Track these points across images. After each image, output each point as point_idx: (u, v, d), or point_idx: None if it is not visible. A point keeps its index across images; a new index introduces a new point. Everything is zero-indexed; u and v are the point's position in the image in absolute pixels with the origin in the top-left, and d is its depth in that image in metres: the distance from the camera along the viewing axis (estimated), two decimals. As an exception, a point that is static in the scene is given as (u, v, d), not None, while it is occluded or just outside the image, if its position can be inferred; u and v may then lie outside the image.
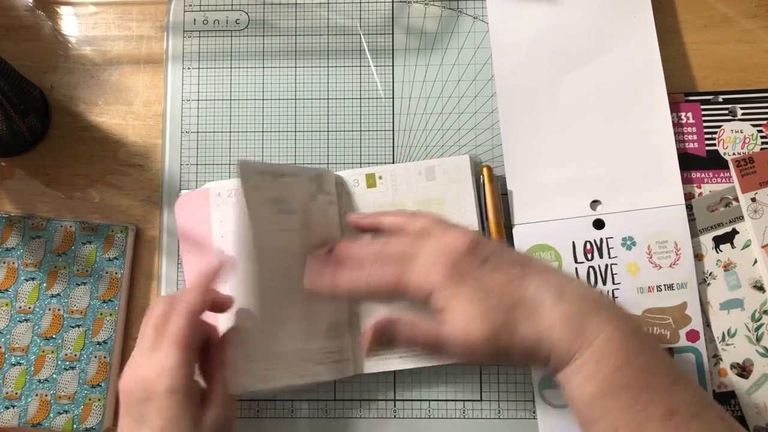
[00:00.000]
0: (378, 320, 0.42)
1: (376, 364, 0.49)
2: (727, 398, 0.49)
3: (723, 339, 0.49)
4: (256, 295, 0.43)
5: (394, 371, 0.51)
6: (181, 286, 0.52)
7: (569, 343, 0.38)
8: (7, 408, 0.50)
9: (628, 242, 0.50)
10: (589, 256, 0.50)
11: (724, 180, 0.51)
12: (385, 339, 0.42)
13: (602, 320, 0.38)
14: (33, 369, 0.51)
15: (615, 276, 0.50)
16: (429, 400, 0.51)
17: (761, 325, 0.49)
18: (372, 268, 0.42)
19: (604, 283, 0.50)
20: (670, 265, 0.50)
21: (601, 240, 0.50)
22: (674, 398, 0.37)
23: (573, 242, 0.50)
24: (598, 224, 0.51)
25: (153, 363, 0.40)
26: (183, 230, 0.52)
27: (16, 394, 0.50)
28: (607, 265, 0.50)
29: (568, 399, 0.39)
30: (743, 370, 0.49)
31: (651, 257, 0.50)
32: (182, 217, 0.52)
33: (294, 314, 0.46)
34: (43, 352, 0.51)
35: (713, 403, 0.38)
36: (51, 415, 0.50)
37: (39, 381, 0.51)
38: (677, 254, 0.50)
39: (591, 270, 0.50)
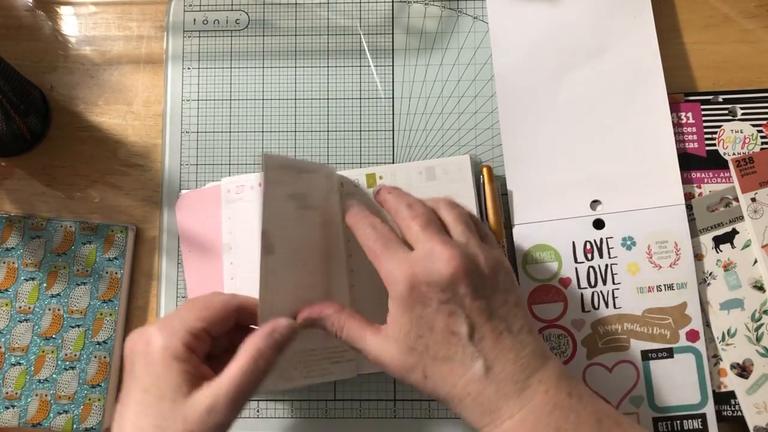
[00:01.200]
0: (319, 305, 0.42)
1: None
2: (727, 398, 0.49)
3: (723, 339, 0.49)
4: (283, 292, 0.42)
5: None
6: (181, 286, 0.52)
7: (477, 417, 0.39)
8: (7, 408, 0.50)
9: (628, 242, 0.50)
10: (589, 256, 0.50)
11: (724, 180, 0.51)
12: (315, 322, 0.42)
13: (519, 402, 0.38)
14: (33, 369, 0.51)
15: (615, 276, 0.50)
16: (429, 400, 0.51)
17: (761, 325, 0.49)
18: (374, 222, 0.43)
19: (605, 283, 0.50)
20: (670, 265, 0.50)
21: (601, 240, 0.50)
22: None
23: (573, 242, 0.50)
24: (598, 224, 0.51)
25: (158, 322, 0.40)
26: (184, 229, 0.52)
27: (16, 394, 0.50)
28: (607, 265, 0.50)
29: None
30: (743, 370, 0.49)
31: (651, 257, 0.50)
32: (183, 216, 0.52)
33: None
34: (43, 352, 0.51)
35: None
36: (51, 415, 0.50)
37: (39, 381, 0.51)
38: (677, 254, 0.50)
39: (591, 270, 0.50)
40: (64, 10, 0.57)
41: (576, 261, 0.50)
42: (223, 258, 0.50)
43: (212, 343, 0.41)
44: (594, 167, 0.51)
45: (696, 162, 0.52)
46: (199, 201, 0.52)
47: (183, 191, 0.53)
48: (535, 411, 0.38)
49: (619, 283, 0.50)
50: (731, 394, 0.49)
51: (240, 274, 0.50)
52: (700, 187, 0.51)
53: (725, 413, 0.49)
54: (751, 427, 0.48)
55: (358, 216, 0.44)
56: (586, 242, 0.50)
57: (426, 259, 0.40)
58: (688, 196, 0.51)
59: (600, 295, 0.50)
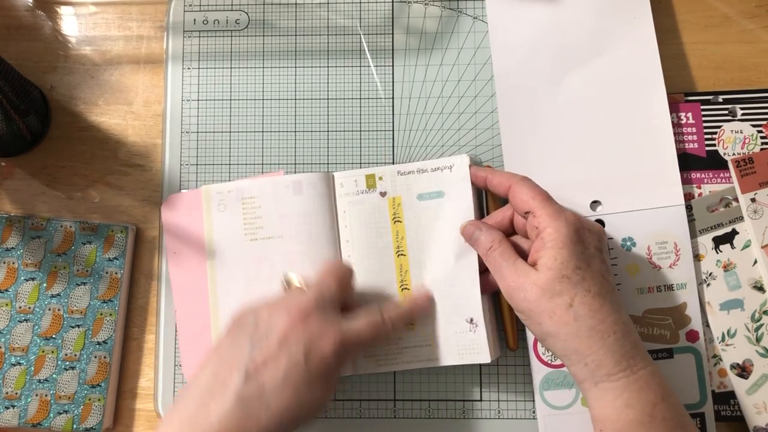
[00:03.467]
0: (475, 224, 0.47)
1: (377, 366, 0.49)
2: (727, 398, 0.49)
3: (723, 339, 0.49)
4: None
5: (394, 371, 0.51)
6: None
7: (615, 359, 0.40)
8: (7, 408, 0.50)
9: (628, 243, 0.50)
10: (589, 256, 0.50)
11: (723, 180, 0.51)
12: (472, 237, 0.47)
13: (647, 357, 0.42)
14: (33, 369, 0.51)
15: (615, 277, 0.50)
16: (429, 400, 0.51)
17: (761, 325, 0.49)
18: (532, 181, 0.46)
19: (604, 283, 0.50)
20: (670, 266, 0.50)
21: (601, 240, 0.50)
22: None
23: (573, 242, 0.50)
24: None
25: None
26: (170, 232, 0.52)
27: (16, 394, 0.50)
28: (607, 266, 0.50)
29: (595, 413, 0.41)
30: (743, 370, 0.49)
31: (651, 258, 0.50)
32: (169, 219, 0.52)
33: None
34: (43, 352, 0.51)
35: None
36: (51, 415, 0.50)
37: (39, 381, 0.51)
38: (677, 255, 0.50)
39: (591, 270, 0.50)
40: (64, 10, 0.57)
41: (576, 261, 0.50)
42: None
43: None
44: (594, 168, 0.51)
45: (696, 162, 0.52)
46: (187, 203, 0.52)
47: (183, 191, 0.53)
48: (659, 370, 0.42)
49: (619, 284, 0.50)
50: (731, 394, 0.49)
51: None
52: (699, 188, 0.51)
53: (724, 413, 0.49)
54: (750, 427, 0.48)
55: (515, 177, 0.47)
56: (586, 242, 0.50)
57: (583, 216, 0.46)
58: (688, 197, 0.51)
59: (600, 295, 0.50)
